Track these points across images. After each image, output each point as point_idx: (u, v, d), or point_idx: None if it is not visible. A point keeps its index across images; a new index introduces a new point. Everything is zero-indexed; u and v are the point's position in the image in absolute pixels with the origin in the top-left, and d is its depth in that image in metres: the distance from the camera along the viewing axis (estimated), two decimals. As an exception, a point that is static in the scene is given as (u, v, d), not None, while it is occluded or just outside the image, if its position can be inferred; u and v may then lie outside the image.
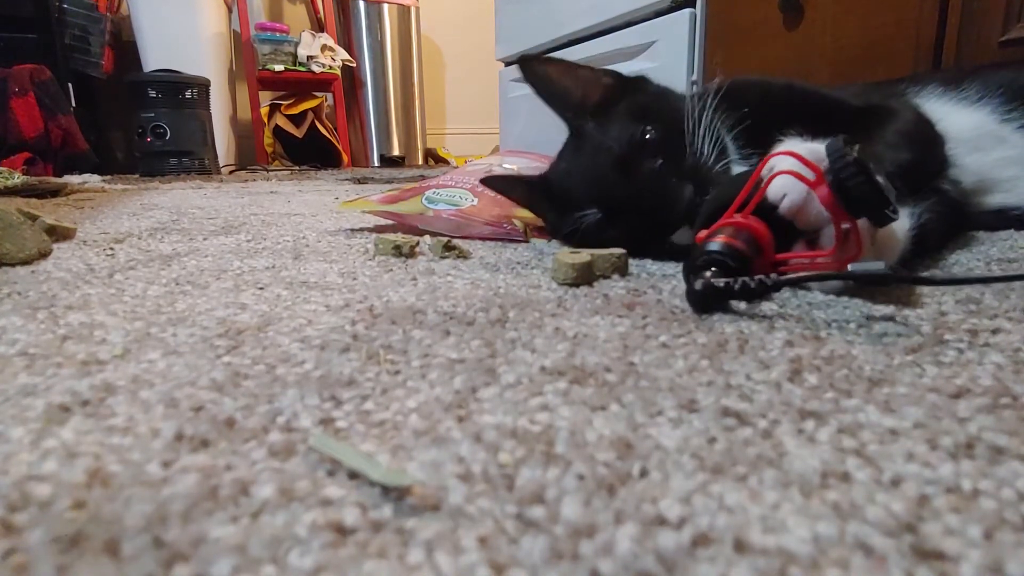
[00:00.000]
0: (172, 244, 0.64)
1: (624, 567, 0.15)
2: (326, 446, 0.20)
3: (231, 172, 2.32)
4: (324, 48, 2.61)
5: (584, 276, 0.43)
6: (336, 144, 2.72)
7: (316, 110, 2.67)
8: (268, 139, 2.60)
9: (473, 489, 0.18)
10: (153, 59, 2.27)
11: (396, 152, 2.95)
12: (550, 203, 0.60)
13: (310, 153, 2.68)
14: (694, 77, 1.39)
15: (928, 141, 0.55)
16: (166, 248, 0.61)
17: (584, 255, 0.44)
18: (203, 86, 2.13)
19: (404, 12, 2.87)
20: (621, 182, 0.52)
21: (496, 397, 0.25)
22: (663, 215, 0.50)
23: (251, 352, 0.30)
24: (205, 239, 0.67)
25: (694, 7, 1.36)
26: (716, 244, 0.36)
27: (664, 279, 0.45)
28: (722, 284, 0.34)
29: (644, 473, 0.19)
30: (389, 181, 1.70)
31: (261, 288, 0.44)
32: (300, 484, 0.19)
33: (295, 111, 2.61)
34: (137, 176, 2.06)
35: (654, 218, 0.51)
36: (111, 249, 0.60)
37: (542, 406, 0.24)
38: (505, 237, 0.66)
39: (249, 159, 2.70)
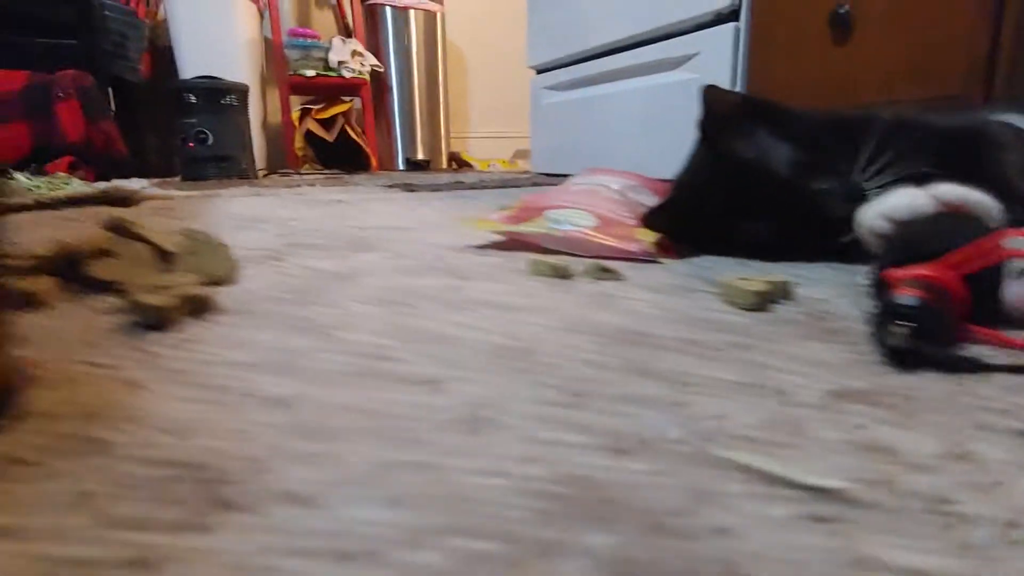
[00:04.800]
0: (322, 261, 0.66)
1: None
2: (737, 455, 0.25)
3: (264, 176, 2.35)
4: (354, 53, 2.65)
5: (762, 301, 0.48)
6: (365, 148, 2.76)
7: (346, 114, 2.71)
8: (300, 143, 2.64)
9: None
10: (190, 64, 2.31)
11: (420, 156, 2.99)
12: (693, 216, 0.70)
13: (339, 157, 2.72)
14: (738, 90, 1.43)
15: None
16: (327, 266, 0.64)
17: (756, 281, 0.49)
18: (243, 92, 2.17)
19: (430, 18, 2.91)
20: (790, 201, 0.63)
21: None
22: (832, 235, 0.61)
23: (548, 372, 0.35)
24: (346, 258, 0.69)
25: (738, 21, 1.39)
26: (916, 300, 0.33)
27: (822, 302, 0.50)
28: (926, 351, 0.33)
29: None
30: (437, 189, 1.73)
31: (468, 309, 0.47)
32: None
33: (326, 115, 2.65)
34: (179, 180, 2.09)
35: (823, 234, 0.62)
36: (278, 267, 0.63)
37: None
38: (628, 257, 0.68)
39: (278, 163, 2.74)
